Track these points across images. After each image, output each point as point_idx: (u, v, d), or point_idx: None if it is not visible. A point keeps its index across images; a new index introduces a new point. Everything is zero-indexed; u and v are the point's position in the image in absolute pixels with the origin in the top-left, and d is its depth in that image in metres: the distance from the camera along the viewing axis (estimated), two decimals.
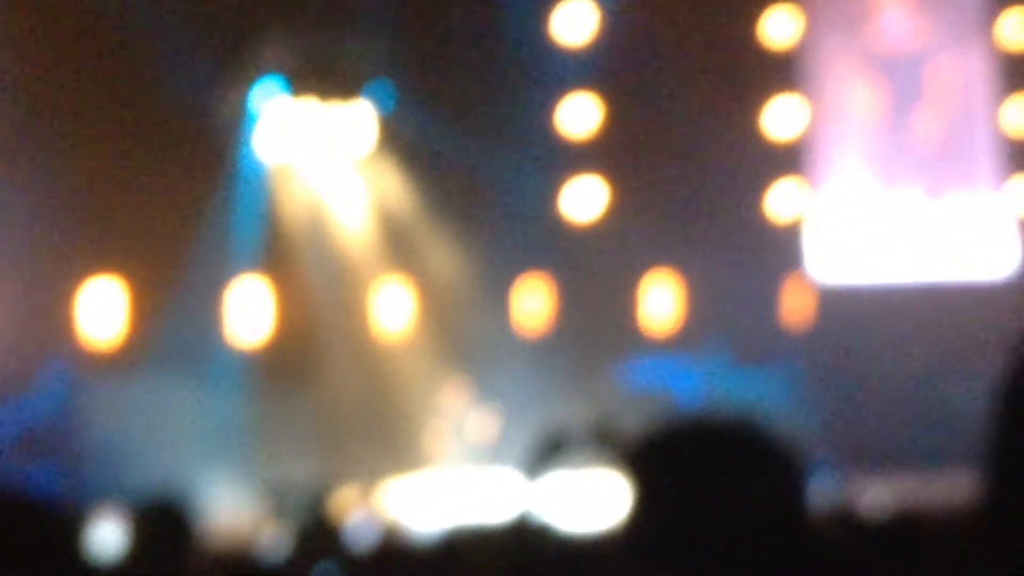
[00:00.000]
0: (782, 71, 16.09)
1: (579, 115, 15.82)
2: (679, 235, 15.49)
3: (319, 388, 14.69)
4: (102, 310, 14.13)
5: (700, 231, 15.49)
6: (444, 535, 6.57)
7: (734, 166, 15.70)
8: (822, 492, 7.76)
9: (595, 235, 15.77)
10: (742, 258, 15.47)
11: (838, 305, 15.75)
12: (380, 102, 15.15)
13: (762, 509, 2.21)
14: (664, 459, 2.49)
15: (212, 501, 11.58)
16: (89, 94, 13.96)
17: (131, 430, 13.25)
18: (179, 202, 14.21)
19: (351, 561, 6.19)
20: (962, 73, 16.08)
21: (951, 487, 8.87)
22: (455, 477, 13.91)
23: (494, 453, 13.92)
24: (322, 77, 14.97)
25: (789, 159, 16.12)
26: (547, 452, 5.54)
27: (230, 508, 12.10)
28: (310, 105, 15.01)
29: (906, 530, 5.00)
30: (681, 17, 15.63)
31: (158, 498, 5.67)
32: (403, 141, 15.19)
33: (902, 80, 16.08)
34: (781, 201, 16.15)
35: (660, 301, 15.93)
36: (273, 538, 6.88)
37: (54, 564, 2.06)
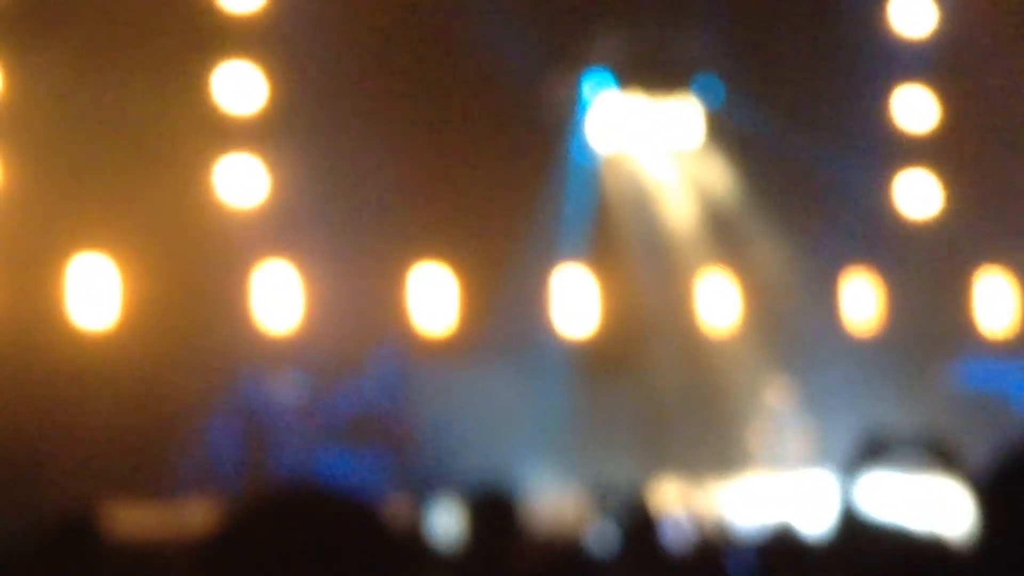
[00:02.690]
0: None
1: (914, 108, 15.48)
2: (1014, 232, 15.03)
3: (643, 381, 14.71)
4: (433, 296, 14.43)
5: None
6: (765, 537, 6.52)
7: None
8: None
9: (927, 231, 15.41)
10: None
11: None
12: (708, 96, 15.09)
13: None
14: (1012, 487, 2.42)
15: (538, 492, 11.72)
16: (425, 84, 14.26)
17: (459, 417, 13.50)
18: (509, 190, 14.41)
19: (669, 560, 6.20)
20: None
21: None
22: (777, 478, 13.77)
23: (818, 455, 13.74)
24: (650, 71, 14.99)
25: None
26: (870, 454, 5.44)
27: (555, 499, 12.23)
28: (638, 98, 15.05)
29: None
30: (1021, 10, 15.15)
31: (489, 489, 5.78)
32: (731, 134, 15.10)
33: None
34: None
35: (994, 302, 15.48)
36: (597, 532, 6.94)
37: (382, 559, 2.11)
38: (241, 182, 13.96)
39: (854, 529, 5.09)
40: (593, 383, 14.44)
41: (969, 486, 2.72)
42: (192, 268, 13.51)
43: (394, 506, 10.06)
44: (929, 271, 15.23)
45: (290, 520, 2.07)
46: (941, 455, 5.62)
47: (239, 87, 13.93)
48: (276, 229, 13.94)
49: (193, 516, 11.46)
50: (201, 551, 2.09)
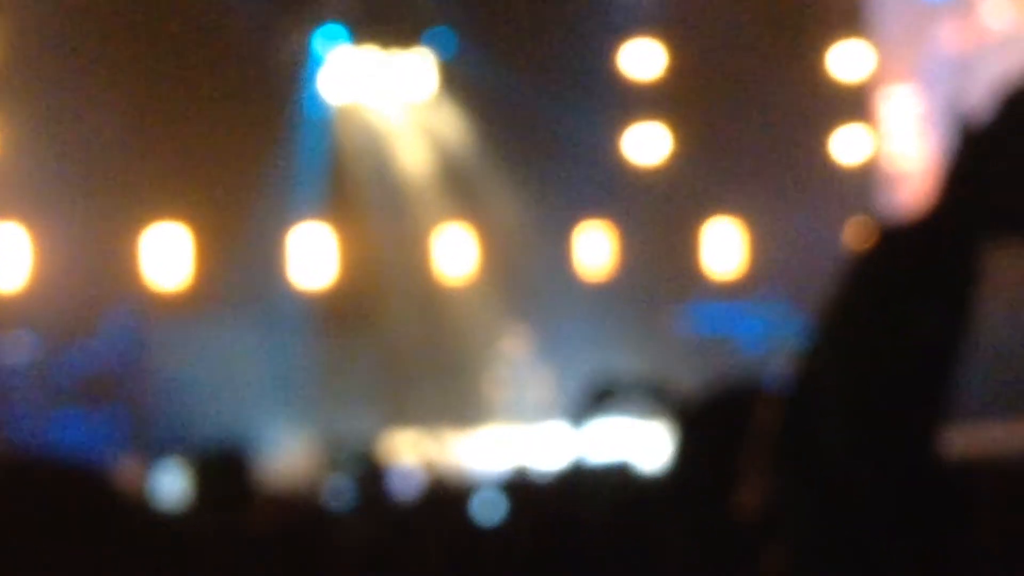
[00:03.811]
0: (847, 13, 15.97)
1: (642, 59, 15.76)
2: (742, 181, 15.45)
3: (380, 333, 14.77)
4: (167, 255, 14.26)
5: (763, 177, 15.44)
6: (502, 480, 6.64)
7: (798, 111, 15.61)
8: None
9: (657, 180, 15.74)
10: (805, 204, 15.41)
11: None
12: (441, 48, 15.17)
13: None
14: (713, 422, 2.54)
15: (274, 447, 11.71)
16: (152, 39, 14.04)
17: (195, 375, 13.39)
18: (242, 147, 14.29)
19: (399, 508, 6.27)
20: None
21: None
22: (514, 426, 13.98)
23: (553, 402, 13.98)
24: (383, 24, 15.00)
25: (854, 104, 16.02)
26: (595, 402, 5.60)
27: (291, 454, 12.23)
28: (371, 52, 15.05)
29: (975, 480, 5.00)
30: None
31: (220, 446, 5.77)
32: (464, 87, 15.20)
33: (969, 24, 15.91)
34: (846, 147, 16.07)
35: (722, 247, 15.91)
36: (333, 486, 7.00)
37: (108, 524, 2.13)
38: None
39: (578, 472, 5.24)
40: (331, 337, 14.45)
41: (676, 419, 2.85)
42: None
43: (126, 467, 9.96)
44: (659, 218, 15.57)
45: (12, 489, 2.08)
46: (660, 398, 5.81)
47: None
48: (2, 187, 13.61)
49: None
50: None
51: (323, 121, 14.99)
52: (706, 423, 2.57)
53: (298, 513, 6.07)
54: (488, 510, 6.16)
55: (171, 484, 5.69)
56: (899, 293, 2.08)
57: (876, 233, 2.14)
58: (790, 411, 2.02)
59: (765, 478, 1.97)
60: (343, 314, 14.65)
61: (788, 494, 1.96)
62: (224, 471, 5.63)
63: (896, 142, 15.98)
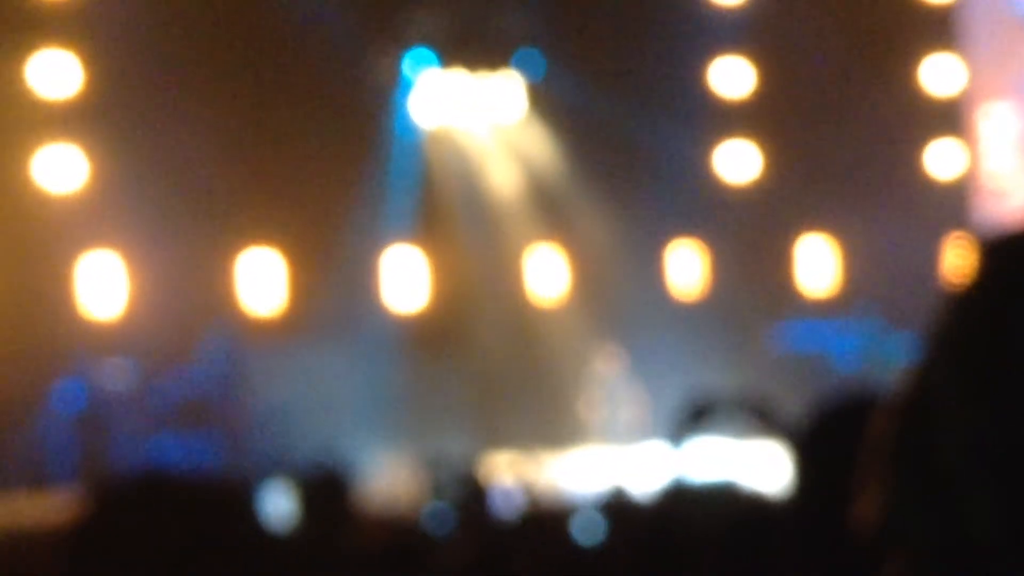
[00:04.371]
0: (937, 28, 15.86)
1: (732, 77, 15.72)
2: (834, 197, 15.36)
3: (474, 355, 14.81)
4: (262, 280, 14.37)
5: (855, 193, 15.35)
6: (600, 501, 6.64)
7: (889, 126, 15.51)
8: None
9: (749, 198, 15.69)
10: (898, 220, 15.30)
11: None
12: (529, 70, 15.21)
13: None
14: (829, 437, 2.53)
15: (371, 469, 11.76)
16: (247, 66, 14.18)
17: (291, 398, 13.48)
18: (334, 171, 14.40)
19: (500, 529, 6.28)
20: None
21: None
22: (609, 447, 13.95)
23: (648, 422, 13.94)
24: (471, 47, 15.07)
25: (946, 118, 15.89)
26: (693, 419, 5.58)
27: (388, 475, 12.28)
28: (460, 75, 15.12)
29: None
30: None
31: (321, 469, 5.82)
32: (553, 107, 15.23)
33: None
34: (938, 162, 15.93)
35: (815, 264, 15.82)
36: (432, 508, 7.02)
37: (223, 539, 2.16)
38: (61, 170, 13.76)
39: (680, 491, 5.22)
40: (424, 359, 14.50)
41: (786, 443, 2.84)
42: (14, 259, 13.31)
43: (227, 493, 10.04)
44: (751, 236, 15.51)
45: (154, 504, 2.11)
46: (761, 416, 5.78)
47: (55, 74, 13.72)
48: (99, 216, 13.78)
49: (40, 507, 11.30)
50: (63, 540, 2.11)
51: (414, 144, 15.08)
52: (822, 439, 2.57)
53: (399, 534, 6.10)
54: (588, 531, 6.16)
55: (274, 506, 5.74)
56: (1006, 307, 2.07)
57: (978, 249, 2.13)
58: (906, 424, 2.01)
59: (883, 493, 1.96)
60: (436, 336, 14.70)
61: (906, 508, 1.94)
62: (326, 493, 5.67)
63: (993, 159, 15.82)
